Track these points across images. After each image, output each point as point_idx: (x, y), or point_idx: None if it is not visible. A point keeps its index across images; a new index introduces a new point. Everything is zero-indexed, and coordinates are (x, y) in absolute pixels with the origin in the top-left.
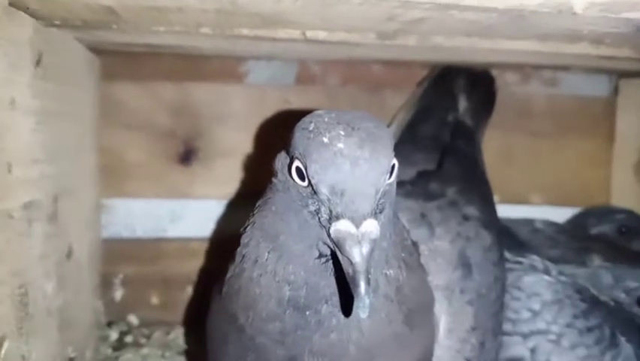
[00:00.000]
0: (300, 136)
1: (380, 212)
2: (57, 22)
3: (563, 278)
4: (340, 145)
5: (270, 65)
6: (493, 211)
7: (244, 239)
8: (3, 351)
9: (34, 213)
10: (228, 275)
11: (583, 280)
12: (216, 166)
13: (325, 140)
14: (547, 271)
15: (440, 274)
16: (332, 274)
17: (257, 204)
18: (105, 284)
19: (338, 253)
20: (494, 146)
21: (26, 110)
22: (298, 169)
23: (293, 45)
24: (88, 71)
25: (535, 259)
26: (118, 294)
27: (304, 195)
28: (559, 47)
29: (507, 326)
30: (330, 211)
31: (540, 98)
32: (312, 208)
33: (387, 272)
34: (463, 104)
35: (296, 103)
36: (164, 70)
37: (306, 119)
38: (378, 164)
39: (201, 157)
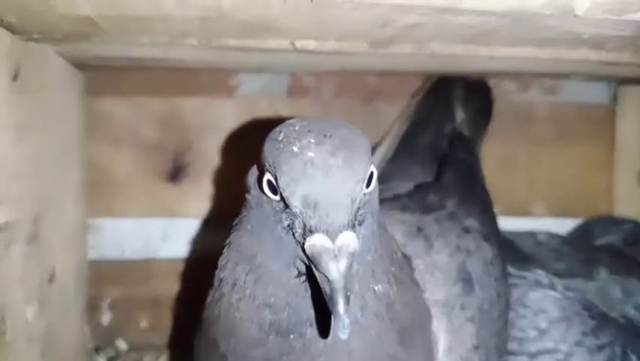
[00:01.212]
0: (269, 147)
1: (359, 224)
2: (36, 36)
3: (570, 294)
4: (311, 154)
5: (261, 77)
6: (495, 223)
7: (221, 261)
8: None
9: (12, 234)
10: (208, 300)
11: (591, 295)
12: (206, 182)
13: (295, 149)
14: (553, 287)
15: (438, 289)
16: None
17: (234, 223)
18: (92, 308)
19: (314, 270)
20: (494, 155)
21: (2, 126)
22: (269, 182)
23: (283, 56)
24: (71, 85)
25: (541, 274)
26: (105, 318)
27: (277, 209)
28: (558, 52)
29: (513, 346)
30: (304, 225)
31: (540, 106)
32: (286, 223)
33: (376, 288)
34: (460, 114)
35: (288, 116)
36: (152, 84)
37: (277, 128)
38: (352, 172)
39: (191, 173)
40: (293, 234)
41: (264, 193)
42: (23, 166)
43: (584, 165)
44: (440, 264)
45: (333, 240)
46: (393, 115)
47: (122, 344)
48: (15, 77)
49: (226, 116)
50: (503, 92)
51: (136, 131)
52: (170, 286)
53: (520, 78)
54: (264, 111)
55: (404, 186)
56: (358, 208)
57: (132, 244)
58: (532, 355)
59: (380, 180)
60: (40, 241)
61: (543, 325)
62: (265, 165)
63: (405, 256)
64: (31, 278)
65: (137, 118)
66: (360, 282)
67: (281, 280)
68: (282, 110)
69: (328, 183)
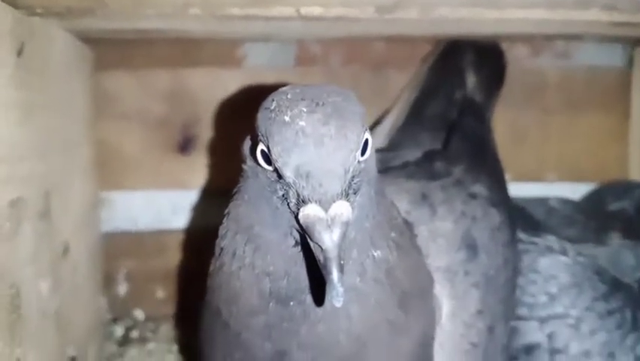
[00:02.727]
0: (262, 116)
1: (354, 193)
2: (39, 11)
3: (581, 259)
4: (302, 123)
5: (268, 47)
6: (504, 189)
7: (221, 231)
8: None
9: (23, 210)
10: (210, 268)
11: (602, 260)
12: (216, 154)
13: (287, 118)
14: (564, 252)
15: (441, 256)
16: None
17: (232, 192)
18: (108, 280)
19: (308, 240)
20: (505, 123)
21: (8, 103)
22: (263, 152)
23: (289, 24)
24: (78, 61)
25: (552, 240)
26: (122, 289)
27: (272, 179)
28: (569, 14)
29: (523, 311)
30: (298, 195)
31: (552, 72)
32: (281, 193)
33: (375, 254)
34: (471, 79)
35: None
36: (158, 57)
37: (270, 97)
38: (345, 141)
39: (200, 145)
40: (288, 204)
41: (258, 164)
42: (32, 143)
43: (597, 132)
44: (443, 231)
45: (326, 210)
46: (402, 82)
47: (139, 314)
48: (19, 53)
49: (233, 87)
50: (514, 58)
51: (144, 105)
52: (183, 257)
53: (532, 42)
54: (272, 81)
55: (413, 154)
56: (353, 177)
57: (144, 216)
58: (542, 320)
59: (389, 149)
60: (52, 217)
61: (554, 290)
62: (258, 135)
63: (406, 222)
64: (44, 254)
65: (145, 92)
66: (359, 249)
67: (279, 249)
68: (290, 80)
69: (320, 153)
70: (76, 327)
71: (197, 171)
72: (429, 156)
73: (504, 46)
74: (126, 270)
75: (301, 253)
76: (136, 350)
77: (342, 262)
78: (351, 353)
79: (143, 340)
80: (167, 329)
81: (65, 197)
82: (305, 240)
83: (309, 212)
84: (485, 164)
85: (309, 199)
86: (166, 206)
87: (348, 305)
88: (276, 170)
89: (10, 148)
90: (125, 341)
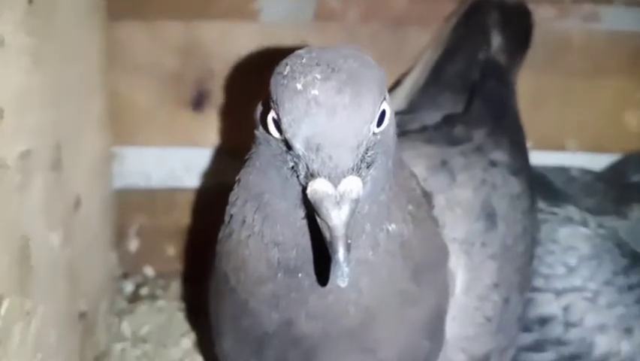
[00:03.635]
0: (274, 82)
1: (367, 166)
2: None
3: (602, 231)
4: (315, 92)
5: (286, 1)
6: (525, 157)
7: (231, 197)
8: (3, 309)
9: (32, 162)
10: (220, 235)
11: (623, 233)
12: (230, 111)
13: (299, 86)
14: (585, 223)
15: (458, 226)
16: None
17: (245, 158)
18: (119, 235)
19: (316, 216)
20: (526, 87)
21: (19, 50)
22: (274, 120)
23: None
24: (90, 9)
25: (572, 210)
26: (133, 245)
27: (282, 149)
28: None
29: (539, 282)
30: (307, 168)
31: (577, 35)
32: (290, 165)
33: (390, 227)
34: (496, 40)
35: (314, 42)
36: (173, 8)
37: (284, 60)
38: (360, 111)
39: (213, 102)
40: (297, 176)
41: (269, 132)
42: (42, 93)
43: (620, 99)
44: (462, 199)
45: (335, 185)
46: (423, 41)
47: (149, 271)
48: (31, 0)
49: (248, 42)
50: (540, 19)
51: (156, 57)
52: (195, 216)
53: (560, 3)
54: (288, 36)
55: (432, 117)
56: (367, 150)
57: (156, 173)
58: (558, 292)
59: (408, 111)
60: (64, 169)
61: (572, 262)
62: (270, 102)
63: (425, 193)
64: (55, 205)
65: (159, 45)
66: (373, 222)
67: (288, 220)
68: (307, 36)
69: (332, 124)
70: (87, 282)
71: (210, 128)
72: (449, 120)
73: (530, 6)
74: (137, 226)
75: (311, 226)
76: (146, 306)
77: (349, 241)
78: (360, 323)
79: (152, 297)
80: (177, 287)
81: (77, 149)
82: (313, 214)
83: (318, 187)
84: (507, 129)
85: (318, 173)
86: (179, 163)
87: (358, 278)
88: (285, 140)
89: (20, 97)
90: (134, 298)
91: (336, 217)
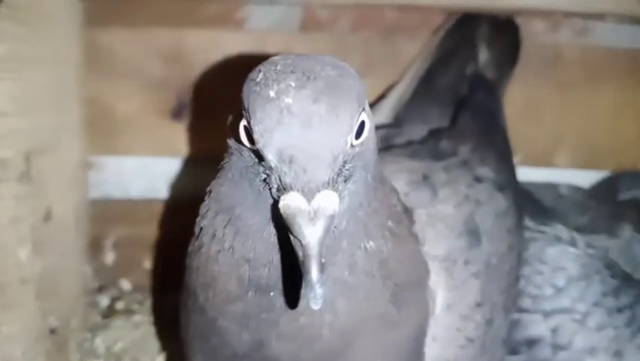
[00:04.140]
0: (246, 89)
1: (345, 180)
2: None
3: (591, 251)
4: (288, 100)
5: (272, 9)
6: (512, 172)
7: (202, 209)
8: None
9: (1, 172)
10: (189, 248)
11: (614, 253)
12: (212, 121)
13: (272, 94)
14: (573, 243)
15: (439, 243)
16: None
17: (217, 168)
18: (95, 247)
19: (289, 233)
20: (518, 100)
21: None
22: (246, 129)
23: None
24: (68, 14)
25: (561, 229)
26: (109, 257)
27: (255, 160)
28: None
29: (526, 303)
30: (280, 181)
31: (569, 49)
32: (263, 177)
33: (368, 245)
34: (483, 54)
35: (302, 52)
36: (156, 14)
37: (258, 66)
38: (337, 122)
39: (194, 111)
40: (269, 189)
41: (240, 141)
42: (14, 100)
43: (613, 113)
44: (444, 215)
45: (309, 200)
46: (413, 52)
47: (125, 284)
48: (1, 1)
49: (233, 51)
50: (531, 33)
51: (139, 65)
52: (174, 227)
53: (551, 18)
54: (275, 46)
55: (419, 131)
56: (344, 163)
57: (135, 183)
58: (546, 313)
59: (394, 124)
60: (34, 180)
61: (561, 282)
62: (242, 109)
63: (406, 209)
64: (24, 218)
65: (141, 52)
66: (350, 239)
67: (261, 235)
68: (294, 46)
69: (307, 135)
70: (58, 296)
71: (191, 138)
72: (435, 134)
73: (520, 21)
74: (114, 238)
75: (284, 242)
76: (121, 321)
77: (323, 260)
78: (334, 347)
79: (128, 312)
80: (155, 301)
81: (50, 159)
82: (285, 230)
83: (290, 202)
84: (493, 144)
85: (291, 187)
86: (158, 174)
87: (334, 299)
88: (257, 150)
89: None
90: (110, 312)
91: (309, 235)
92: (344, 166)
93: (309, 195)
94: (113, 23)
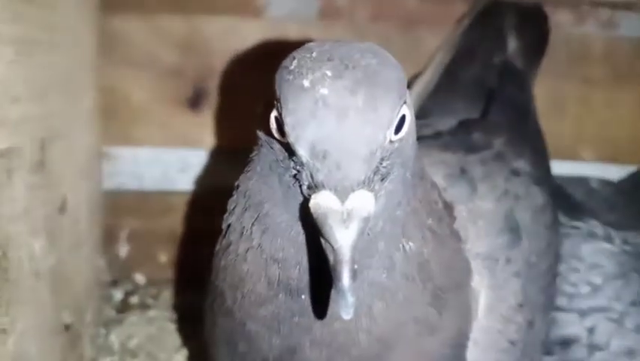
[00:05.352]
0: (279, 77)
1: (382, 179)
2: None
3: (627, 248)
4: (324, 91)
5: None
6: (547, 166)
7: (230, 205)
8: None
9: (14, 161)
10: (217, 247)
11: None
12: (229, 111)
13: (306, 83)
14: (609, 239)
15: (481, 241)
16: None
17: (246, 161)
18: (109, 240)
19: (319, 235)
20: (542, 94)
21: (1, 38)
22: (277, 120)
23: None
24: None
25: (595, 224)
26: (123, 250)
27: (285, 154)
28: None
29: (562, 301)
30: (312, 178)
31: (595, 42)
32: (294, 172)
33: (407, 246)
34: (512, 43)
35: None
36: (173, 1)
37: (292, 53)
38: (375, 115)
39: (212, 101)
40: (300, 186)
41: (270, 133)
42: (27, 86)
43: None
44: (484, 211)
45: (342, 201)
46: (435, 43)
47: (140, 278)
48: None
49: (251, 38)
50: (557, 25)
51: (155, 53)
52: (190, 219)
53: (577, 8)
54: (293, 34)
55: (446, 122)
56: (382, 160)
57: (150, 174)
58: (582, 312)
59: (419, 116)
60: (48, 170)
61: (597, 280)
62: (274, 99)
63: (446, 205)
64: (38, 209)
65: (157, 39)
66: (387, 240)
67: (289, 234)
68: (312, 34)
69: (343, 129)
70: (72, 290)
71: (208, 128)
72: (465, 126)
73: (547, 10)
74: (128, 230)
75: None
76: (135, 316)
77: (355, 266)
78: (372, 353)
79: (143, 306)
80: (170, 296)
81: (64, 148)
82: (316, 231)
83: (322, 201)
84: (528, 136)
85: (323, 185)
86: (173, 164)
87: (371, 303)
88: (288, 144)
89: (1, 89)
90: (124, 307)
91: (341, 238)
92: (381, 163)
93: (342, 194)
94: (129, 11)
